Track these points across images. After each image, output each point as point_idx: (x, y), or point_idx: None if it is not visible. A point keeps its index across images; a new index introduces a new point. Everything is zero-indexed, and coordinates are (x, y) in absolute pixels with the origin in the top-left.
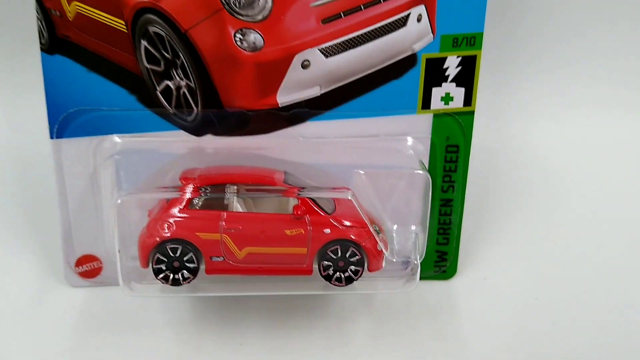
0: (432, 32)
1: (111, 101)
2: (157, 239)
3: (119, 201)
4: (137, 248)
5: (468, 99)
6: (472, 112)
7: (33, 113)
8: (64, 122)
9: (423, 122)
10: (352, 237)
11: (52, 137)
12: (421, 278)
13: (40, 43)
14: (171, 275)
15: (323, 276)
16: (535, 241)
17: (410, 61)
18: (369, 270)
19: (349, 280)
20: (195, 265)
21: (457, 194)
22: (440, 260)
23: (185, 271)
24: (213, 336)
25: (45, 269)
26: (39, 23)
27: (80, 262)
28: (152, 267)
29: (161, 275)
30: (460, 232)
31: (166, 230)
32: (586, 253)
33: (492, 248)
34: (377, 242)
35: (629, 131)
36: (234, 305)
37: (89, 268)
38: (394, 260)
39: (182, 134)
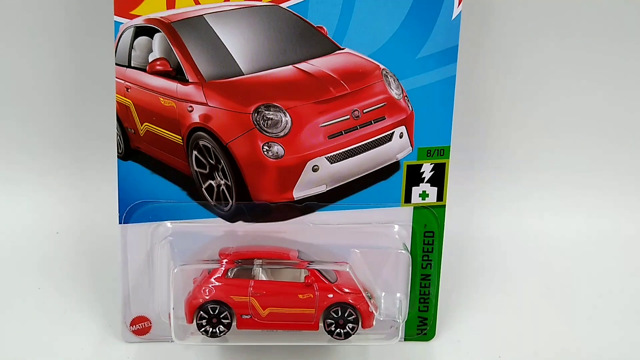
0: (411, 145)
1: (168, 195)
2: (201, 300)
3: (175, 270)
4: (184, 308)
5: (440, 196)
6: (444, 206)
7: (108, 203)
8: (130, 211)
9: (405, 213)
10: (350, 301)
11: (120, 223)
12: (406, 339)
13: (118, 152)
14: (210, 329)
15: (327, 331)
16: (501, 309)
17: (394, 167)
18: (363, 327)
19: (347, 335)
20: (229, 322)
21: (434, 271)
22: (422, 324)
23: (221, 326)
24: None
25: (106, 328)
26: (118, 138)
27: (134, 321)
28: (196, 322)
29: (202, 329)
30: (437, 301)
31: (207, 294)
32: (545, 314)
33: (465, 315)
34: (369, 305)
35: (582, 223)
36: (258, 353)
37: (141, 327)
38: (382, 319)
39: (219, 221)
